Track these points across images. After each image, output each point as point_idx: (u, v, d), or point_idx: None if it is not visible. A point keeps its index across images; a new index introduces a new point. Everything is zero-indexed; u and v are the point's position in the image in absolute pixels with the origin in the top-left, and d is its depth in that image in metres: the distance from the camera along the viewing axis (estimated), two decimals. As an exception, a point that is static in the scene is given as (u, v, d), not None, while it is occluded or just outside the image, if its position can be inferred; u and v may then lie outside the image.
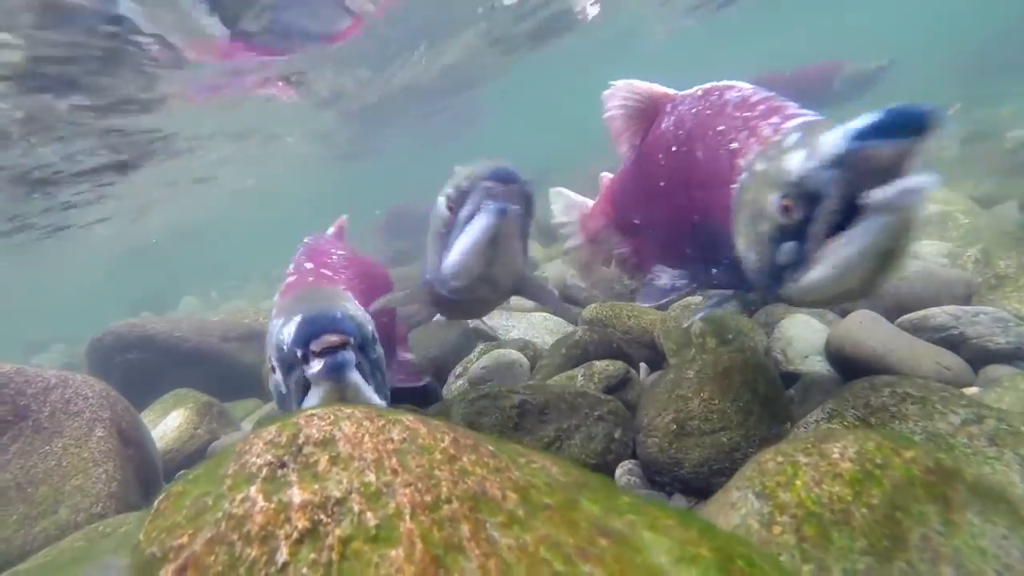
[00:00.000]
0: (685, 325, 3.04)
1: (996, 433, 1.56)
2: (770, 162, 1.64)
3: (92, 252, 12.51)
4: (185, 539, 0.78)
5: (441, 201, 2.27)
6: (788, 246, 1.58)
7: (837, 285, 1.50)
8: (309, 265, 2.51)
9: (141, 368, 4.52)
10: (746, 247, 1.76)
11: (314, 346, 1.69)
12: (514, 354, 3.29)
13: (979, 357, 2.41)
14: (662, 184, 2.32)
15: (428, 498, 0.77)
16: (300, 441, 0.89)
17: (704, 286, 2.33)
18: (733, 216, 1.82)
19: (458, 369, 3.60)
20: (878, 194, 1.32)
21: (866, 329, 2.53)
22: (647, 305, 2.59)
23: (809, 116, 1.75)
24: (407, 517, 0.73)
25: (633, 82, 2.45)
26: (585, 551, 0.71)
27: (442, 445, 0.92)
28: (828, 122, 1.56)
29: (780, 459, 1.09)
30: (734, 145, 1.88)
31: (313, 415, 0.94)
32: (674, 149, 2.22)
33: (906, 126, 1.29)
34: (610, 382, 2.85)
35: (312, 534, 0.73)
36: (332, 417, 0.93)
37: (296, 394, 1.80)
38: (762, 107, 1.90)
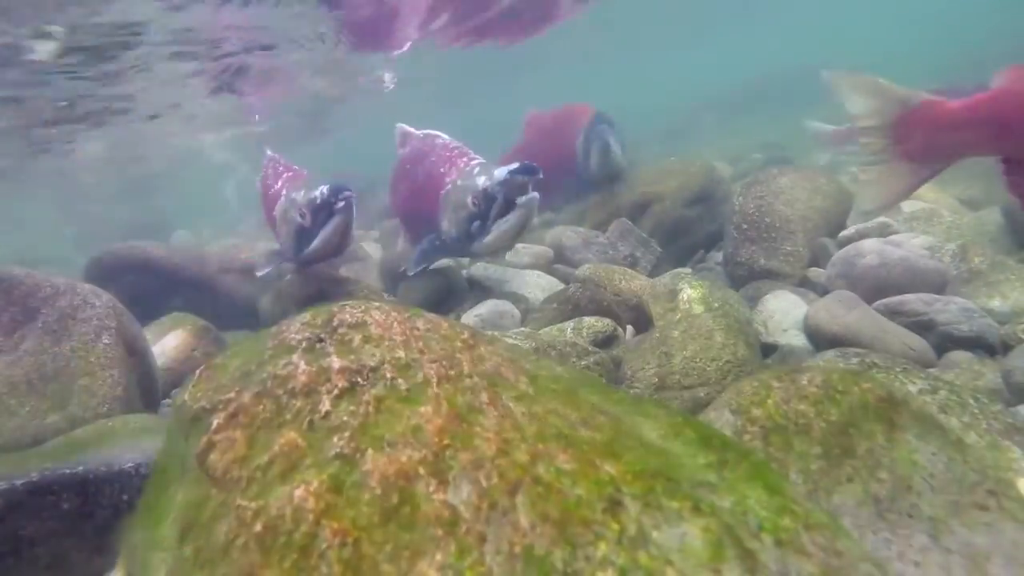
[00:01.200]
0: (405, 270, 3.82)
1: (946, 402, 1.72)
2: (464, 180, 3.19)
3: (90, 174, 12.36)
4: (233, 394, 0.90)
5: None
6: (475, 224, 3.09)
7: (500, 243, 3.15)
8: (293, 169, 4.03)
9: (138, 291, 4.58)
10: (448, 226, 3.31)
11: (345, 196, 3.09)
12: (506, 305, 3.42)
13: (944, 342, 2.57)
14: (404, 190, 3.91)
15: (452, 372, 0.89)
16: (334, 323, 1.00)
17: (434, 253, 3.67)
18: (441, 208, 3.34)
19: (451, 316, 3.73)
20: (521, 199, 2.92)
21: (843, 307, 2.68)
22: (412, 272, 3.74)
23: (480, 158, 3.36)
24: (434, 384, 0.86)
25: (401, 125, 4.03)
26: (586, 421, 0.84)
27: (462, 336, 1.05)
28: (490, 163, 3.18)
29: (756, 383, 1.23)
30: (442, 170, 3.41)
31: (344, 304, 1.06)
32: (408, 167, 3.81)
33: (530, 170, 2.85)
34: (597, 337, 2.99)
35: (350, 392, 0.85)
36: (363, 307, 1.05)
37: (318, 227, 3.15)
38: (456, 150, 3.47)
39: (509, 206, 2.94)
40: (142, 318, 3.93)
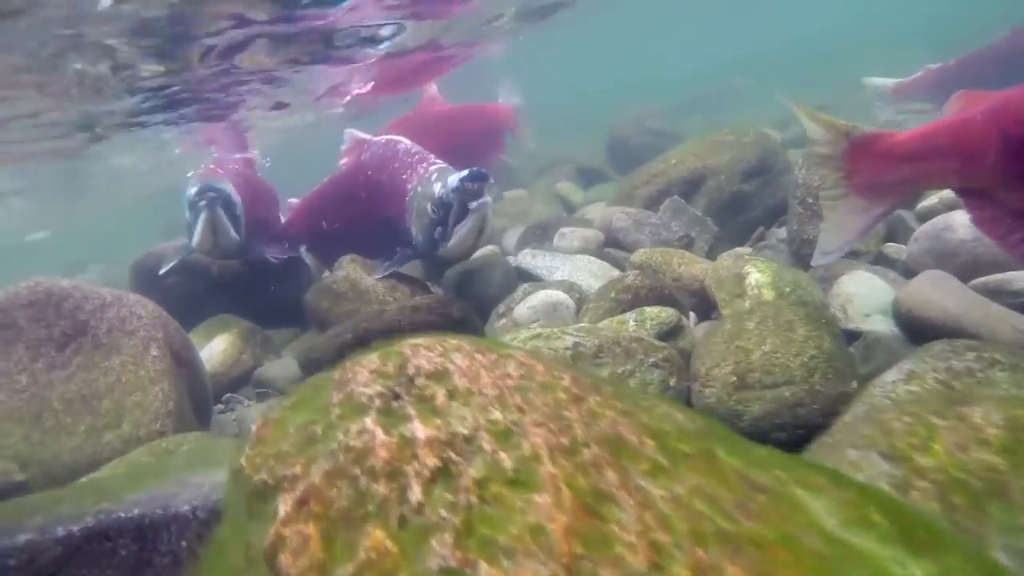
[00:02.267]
0: (377, 277, 3.60)
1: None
2: (423, 187, 3.24)
3: (127, 178, 12.54)
4: (299, 469, 0.76)
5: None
6: (438, 230, 3.13)
7: (462, 247, 3.19)
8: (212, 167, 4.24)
9: (182, 292, 4.56)
10: (416, 232, 3.34)
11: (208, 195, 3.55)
12: (560, 295, 3.25)
13: (1058, 324, 2.30)
14: (361, 195, 3.78)
15: (564, 440, 0.73)
16: (410, 372, 0.85)
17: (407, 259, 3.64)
18: (407, 215, 3.39)
19: (501, 308, 3.57)
20: (473, 204, 2.97)
21: (939, 289, 2.42)
22: (379, 276, 3.59)
23: (440, 163, 3.37)
24: (546, 460, 0.69)
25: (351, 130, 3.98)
26: (743, 505, 0.68)
27: (563, 383, 0.88)
28: (448, 168, 3.23)
29: (908, 419, 1.04)
30: (404, 176, 3.43)
31: (418, 345, 0.91)
32: (370, 173, 3.72)
33: (479, 177, 2.93)
34: (662, 329, 2.80)
35: (444, 473, 0.69)
36: (440, 348, 0.89)
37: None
38: (417, 155, 3.48)
39: (464, 211, 2.98)
40: (187, 320, 3.90)
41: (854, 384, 2.12)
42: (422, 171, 3.30)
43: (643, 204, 4.39)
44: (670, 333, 2.82)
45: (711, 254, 3.96)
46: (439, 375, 0.84)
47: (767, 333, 2.31)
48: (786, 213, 4.08)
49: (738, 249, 3.92)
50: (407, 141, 3.61)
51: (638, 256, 3.48)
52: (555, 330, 2.56)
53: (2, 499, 2.16)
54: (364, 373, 0.88)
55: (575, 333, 2.54)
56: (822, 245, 2.35)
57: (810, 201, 3.42)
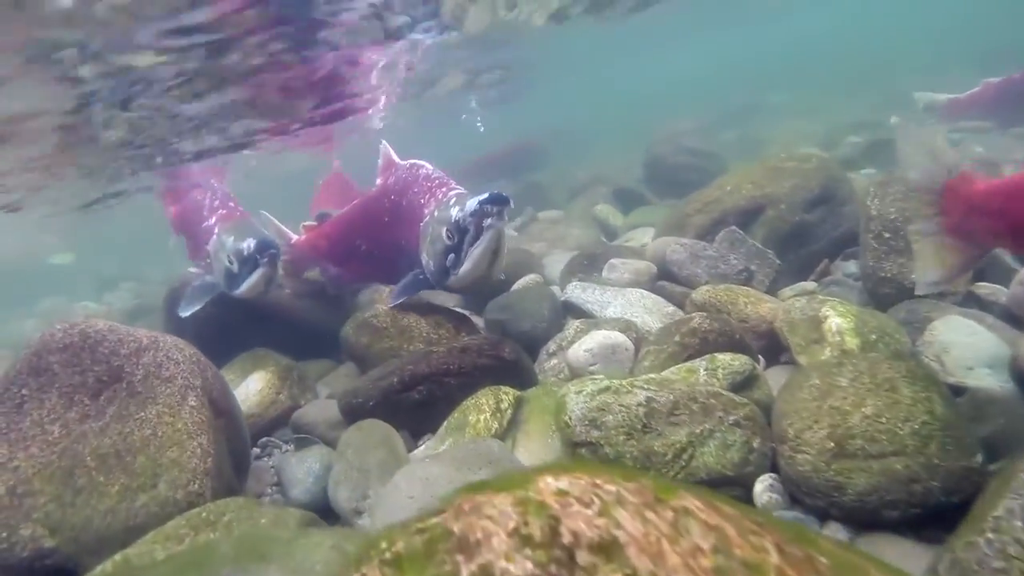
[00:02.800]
0: (389, 306, 3.47)
1: None
2: (440, 212, 3.05)
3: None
4: None
5: None
6: (451, 257, 2.97)
7: (476, 271, 2.93)
8: (230, 206, 4.21)
9: (214, 322, 4.41)
10: (427, 259, 3.16)
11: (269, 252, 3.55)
12: (618, 336, 3.02)
13: None
14: (386, 219, 3.62)
15: None
16: (565, 540, 0.64)
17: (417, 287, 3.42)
18: (420, 241, 3.22)
19: (551, 346, 3.37)
20: (487, 222, 2.79)
21: (1062, 343, 2.16)
22: (393, 304, 3.44)
23: (460, 189, 3.20)
24: None
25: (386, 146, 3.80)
26: None
27: (772, 561, 0.67)
28: (468, 193, 3.01)
29: None
30: (423, 202, 3.29)
31: (566, 493, 0.70)
32: (393, 198, 3.58)
33: (500, 200, 2.78)
34: (735, 379, 2.56)
35: None
36: (598, 501, 0.68)
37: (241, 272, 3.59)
38: (437, 180, 3.33)
39: (479, 233, 2.85)
40: (220, 349, 3.75)
41: (979, 458, 1.87)
42: (441, 195, 3.15)
43: (696, 234, 4.16)
44: (744, 383, 2.58)
45: (772, 289, 3.71)
46: (607, 548, 0.63)
47: (865, 392, 2.07)
48: (852, 245, 3.82)
49: (803, 284, 3.66)
50: (429, 165, 3.47)
51: (701, 294, 3.25)
52: (623, 383, 2.34)
53: (31, 567, 2.00)
54: (500, 536, 0.67)
55: (646, 386, 2.32)
56: (923, 277, 2.15)
57: (887, 236, 3.16)
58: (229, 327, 4.37)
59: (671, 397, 2.26)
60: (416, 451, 2.72)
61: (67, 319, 2.57)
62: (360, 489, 2.43)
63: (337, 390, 3.68)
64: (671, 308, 3.60)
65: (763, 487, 2.08)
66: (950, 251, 2.08)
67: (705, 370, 2.59)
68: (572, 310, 3.82)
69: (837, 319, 2.68)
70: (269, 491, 2.77)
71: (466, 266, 2.92)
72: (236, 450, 2.55)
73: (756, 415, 2.24)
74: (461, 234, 2.90)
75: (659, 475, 2.10)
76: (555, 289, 4.24)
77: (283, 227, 4.62)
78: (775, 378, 2.72)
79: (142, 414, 2.33)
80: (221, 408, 2.53)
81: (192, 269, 4.54)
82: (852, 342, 2.62)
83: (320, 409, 3.11)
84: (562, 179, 10.08)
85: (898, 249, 3.12)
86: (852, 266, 3.70)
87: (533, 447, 2.58)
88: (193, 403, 2.39)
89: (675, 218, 4.44)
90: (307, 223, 4.53)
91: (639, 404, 2.23)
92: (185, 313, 3.78)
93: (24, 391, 2.35)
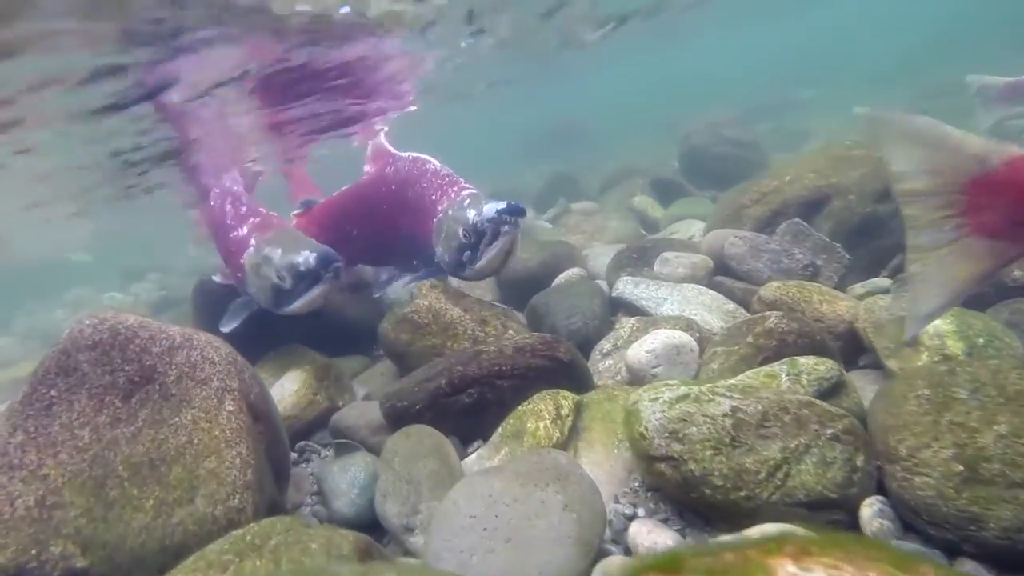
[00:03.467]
0: (405, 284, 3.82)
1: None
2: (456, 212, 3.19)
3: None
4: None
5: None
6: (467, 254, 3.14)
7: (489, 268, 3.17)
8: (262, 212, 3.62)
9: (249, 318, 4.26)
10: (442, 252, 3.29)
11: (333, 266, 3.06)
12: (683, 336, 2.79)
13: None
14: (384, 206, 3.78)
15: None
16: None
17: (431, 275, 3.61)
18: (435, 235, 3.34)
19: (606, 345, 3.14)
20: (504, 228, 3.00)
21: None
22: (377, 294, 4.12)
23: (470, 188, 3.35)
24: None
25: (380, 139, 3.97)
26: None
27: None
28: (479, 194, 3.24)
29: None
30: (434, 197, 3.39)
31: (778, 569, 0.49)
32: (394, 188, 3.70)
33: (516, 211, 3.00)
34: (821, 386, 2.32)
35: None
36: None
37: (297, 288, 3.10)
38: (447, 178, 3.44)
39: (495, 236, 3.07)
40: (252, 344, 3.56)
41: None
42: (453, 194, 3.34)
43: (753, 226, 3.89)
44: (831, 391, 2.33)
45: (839, 286, 3.44)
46: None
47: (995, 407, 1.81)
48: (931, 239, 3.53)
49: (875, 280, 3.39)
50: (436, 162, 3.62)
51: (771, 291, 2.99)
52: (703, 389, 2.10)
53: (59, 588, 1.82)
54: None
55: (728, 394, 2.08)
56: (920, 307, 1.70)
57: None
58: (260, 322, 4.19)
59: (759, 407, 2.02)
60: (467, 460, 2.51)
61: (95, 312, 2.38)
62: (410, 503, 2.23)
63: (375, 390, 3.50)
64: (731, 305, 3.35)
65: (871, 512, 1.84)
66: (975, 260, 1.67)
67: (787, 375, 2.35)
68: (623, 306, 3.58)
69: (937, 321, 2.41)
70: (309, 501, 2.58)
71: (481, 263, 3.15)
72: (276, 458, 2.36)
73: (857, 428, 2.00)
74: (478, 236, 3.09)
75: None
76: (600, 283, 4.00)
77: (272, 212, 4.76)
78: (857, 385, 2.47)
79: (176, 419, 2.14)
80: (260, 412, 2.34)
81: (216, 278, 4.12)
82: (956, 346, 2.35)
83: (360, 412, 2.91)
84: (592, 170, 9.80)
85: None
86: (933, 261, 3.40)
87: (597, 458, 2.36)
88: (230, 408, 2.20)
89: (729, 209, 4.18)
90: (296, 211, 4.49)
91: (725, 414, 2.00)
92: (225, 329, 3.42)
93: (53, 392, 2.17)
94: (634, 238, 5.60)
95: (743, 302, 3.36)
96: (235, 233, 3.57)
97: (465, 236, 3.12)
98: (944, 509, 1.70)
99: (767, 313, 2.71)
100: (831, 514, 1.86)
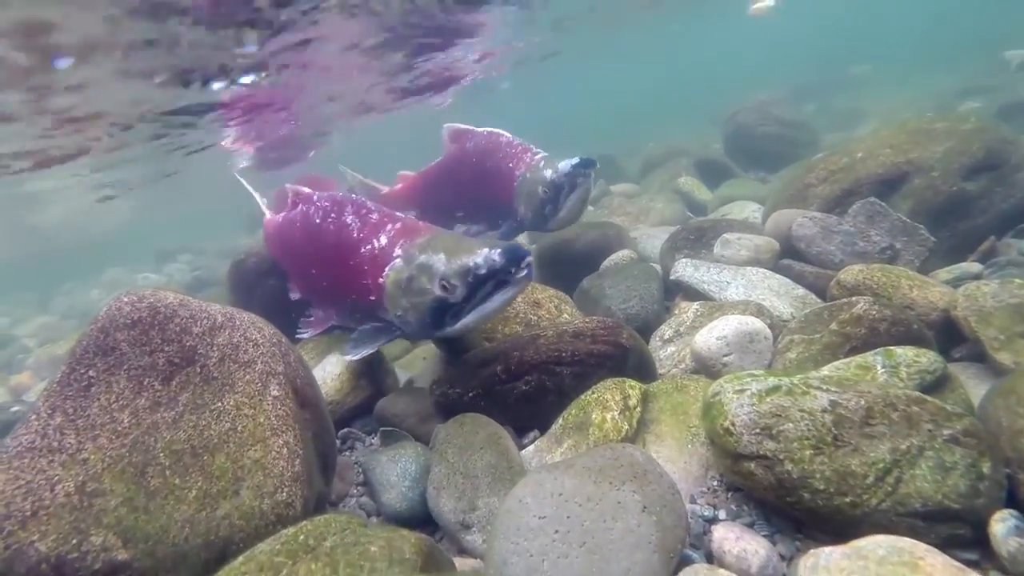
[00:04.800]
0: (500, 234, 4.11)
1: None
2: (533, 174, 3.66)
3: (219, 166, 12.56)
4: None
5: None
6: (548, 206, 3.62)
7: (573, 215, 3.66)
8: (399, 216, 2.83)
9: (284, 296, 4.14)
10: (524, 211, 3.74)
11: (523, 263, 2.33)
12: (756, 322, 2.56)
13: None
14: (467, 176, 4.13)
15: None
16: None
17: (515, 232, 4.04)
18: (515, 194, 3.78)
19: (667, 332, 2.92)
20: (579, 179, 3.52)
21: None
22: (501, 234, 4.13)
23: (543, 153, 3.78)
24: None
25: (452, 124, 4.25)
26: None
27: None
28: (550, 157, 3.70)
29: None
30: (511, 164, 3.85)
31: None
32: (474, 160, 4.08)
33: (588, 163, 3.51)
34: (924, 380, 2.09)
35: None
36: None
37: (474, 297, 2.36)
38: (520, 147, 3.88)
39: (572, 188, 3.50)
40: (289, 329, 3.42)
41: None
42: (528, 160, 3.76)
43: (821, 207, 3.61)
44: (934, 386, 2.09)
45: (922, 270, 3.16)
46: None
47: None
48: (1026, 220, 3.23)
49: (963, 265, 3.11)
50: (507, 134, 4.01)
51: (852, 275, 2.74)
52: (795, 381, 1.89)
53: (100, 582, 1.70)
54: None
55: (824, 386, 1.86)
56: None
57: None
58: (299, 302, 4.09)
59: (862, 402, 1.79)
60: (524, 452, 2.33)
61: (133, 291, 2.25)
62: (467, 499, 2.06)
63: (419, 376, 3.34)
64: (801, 291, 3.10)
65: (1005, 528, 1.60)
66: None
67: (883, 367, 2.11)
68: (682, 290, 3.35)
69: (1052, 308, 2.14)
70: (355, 492, 2.44)
71: (561, 214, 3.61)
72: (322, 447, 2.21)
73: (979, 429, 1.76)
74: (556, 190, 3.54)
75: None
76: (654, 266, 3.77)
77: (370, 181, 4.96)
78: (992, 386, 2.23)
79: (219, 404, 2.00)
80: (306, 398, 2.19)
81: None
82: (1079, 337, 2.08)
83: (409, 399, 2.75)
84: (632, 152, 9.49)
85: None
86: (1032, 246, 3.10)
87: (668, 454, 2.16)
88: (276, 393, 2.05)
89: (792, 189, 3.89)
90: (403, 172, 4.78)
91: (824, 410, 1.78)
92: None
93: (91, 372, 2.04)
94: (680, 220, 5.35)
95: (814, 287, 3.11)
96: (367, 248, 2.73)
97: (544, 192, 3.57)
98: (1103, 528, 1.46)
99: (854, 299, 2.46)
100: (952, 527, 1.64)
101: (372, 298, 2.68)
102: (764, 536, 1.80)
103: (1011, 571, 1.55)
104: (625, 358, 2.52)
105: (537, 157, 3.75)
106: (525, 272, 2.30)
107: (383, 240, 2.69)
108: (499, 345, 2.63)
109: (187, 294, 2.50)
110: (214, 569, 1.61)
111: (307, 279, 3.34)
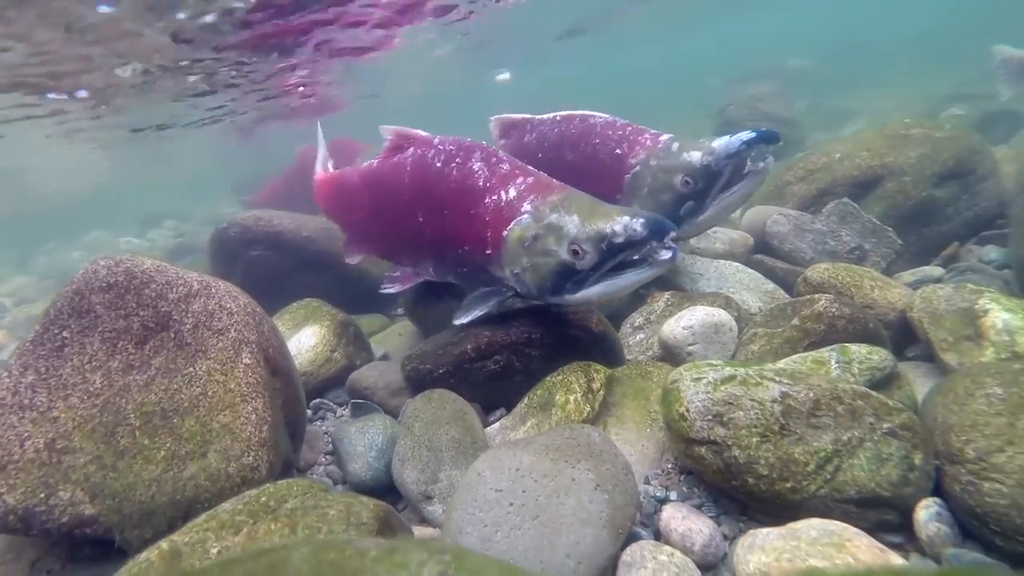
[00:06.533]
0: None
1: None
2: (663, 160, 2.86)
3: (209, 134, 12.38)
4: None
5: None
6: (688, 205, 2.81)
7: (717, 219, 2.92)
8: (531, 170, 2.60)
9: (265, 266, 4.17)
10: (643, 208, 2.84)
11: (667, 239, 2.14)
12: (722, 315, 2.64)
13: None
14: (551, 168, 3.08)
15: None
16: None
17: None
18: (627, 190, 2.96)
19: (637, 319, 3.00)
20: (760, 165, 2.70)
21: None
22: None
23: (667, 134, 2.98)
24: None
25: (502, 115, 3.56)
26: None
27: None
28: (688, 138, 2.91)
29: None
30: (619, 151, 3.01)
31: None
32: (540, 156, 3.24)
33: (770, 138, 2.70)
34: (873, 376, 2.18)
35: None
36: None
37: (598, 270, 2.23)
38: (630, 128, 3.07)
39: (734, 177, 2.71)
40: (270, 296, 3.43)
41: None
42: (648, 143, 2.94)
43: (797, 205, 3.69)
44: (883, 382, 2.19)
45: (888, 272, 3.26)
46: None
47: (1078, 411, 1.65)
48: (990, 227, 3.33)
49: (926, 269, 3.20)
50: (600, 115, 3.19)
51: (818, 273, 2.82)
52: (750, 371, 1.97)
53: (70, 535, 1.75)
54: None
55: (777, 378, 1.94)
56: None
57: (1048, 218, 2.67)
58: (281, 272, 4.11)
59: (811, 395, 1.88)
60: (489, 428, 2.40)
61: (111, 254, 2.28)
62: (430, 471, 2.13)
63: (393, 351, 3.40)
64: (771, 285, 3.18)
65: (928, 515, 1.71)
66: None
67: (837, 362, 2.20)
68: (656, 280, 3.42)
69: (1003, 314, 2.24)
70: (323, 460, 2.50)
71: (708, 213, 2.80)
72: (292, 415, 2.26)
73: (916, 424, 1.85)
74: (709, 179, 2.72)
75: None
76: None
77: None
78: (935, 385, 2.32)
79: (191, 369, 2.05)
80: (278, 367, 2.24)
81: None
82: (1024, 343, 2.18)
83: (379, 374, 2.81)
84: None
85: (1062, 235, 2.64)
86: (992, 252, 3.21)
87: (628, 436, 2.24)
88: (247, 360, 2.10)
89: (771, 186, 3.96)
90: None
91: (774, 400, 1.86)
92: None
93: (65, 333, 2.08)
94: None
95: (783, 283, 3.20)
96: (492, 198, 2.52)
97: (686, 184, 2.74)
98: (1019, 520, 1.56)
99: (816, 296, 2.55)
100: (881, 513, 1.74)
101: (488, 252, 2.49)
102: (711, 517, 1.90)
103: (928, 552, 1.66)
104: (594, 343, 2.59)
105: (664, 139, 2.93)
106: (670, 253, 2.10)
107: (511, 193, 2.49)
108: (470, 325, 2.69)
109: (167, 260, 2.53)
110: (179, 527, 1.66)
111: (399, 229, 2.93)
